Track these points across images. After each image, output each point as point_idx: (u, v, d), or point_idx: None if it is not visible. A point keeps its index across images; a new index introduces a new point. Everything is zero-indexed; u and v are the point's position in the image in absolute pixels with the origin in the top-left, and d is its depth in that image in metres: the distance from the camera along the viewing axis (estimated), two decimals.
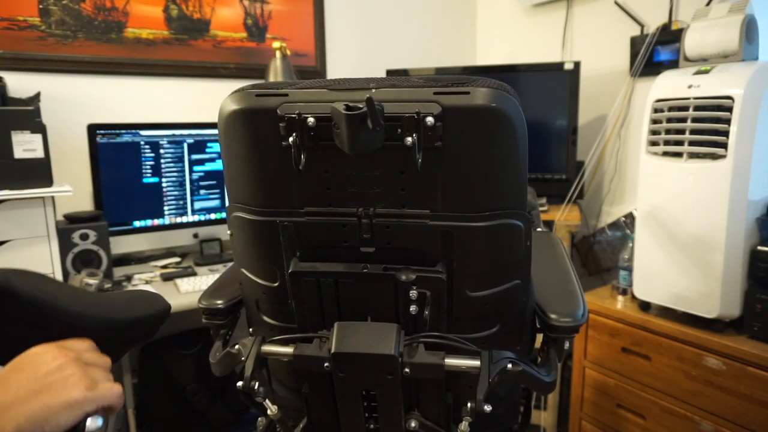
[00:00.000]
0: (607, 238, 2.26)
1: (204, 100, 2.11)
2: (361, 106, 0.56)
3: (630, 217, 2.13)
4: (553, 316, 0.73)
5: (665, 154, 1.55)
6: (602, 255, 2.28)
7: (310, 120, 0.59)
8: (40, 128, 1.48)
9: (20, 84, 1.73)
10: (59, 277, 1.53)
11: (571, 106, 2.06)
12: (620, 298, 1.81)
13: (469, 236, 0.64)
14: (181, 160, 1.94)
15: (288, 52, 2.11)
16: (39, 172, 1.49)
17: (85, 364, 0.49)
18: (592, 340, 1.80)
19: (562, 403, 2.07)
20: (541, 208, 2.05)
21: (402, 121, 0.58)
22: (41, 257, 1.50)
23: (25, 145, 1.46)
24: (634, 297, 1.71)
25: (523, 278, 0.71)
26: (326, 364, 0.68)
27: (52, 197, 1.52)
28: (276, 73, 2.06)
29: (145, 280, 1.79)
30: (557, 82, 2.08)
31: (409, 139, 0.58)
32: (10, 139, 1.44)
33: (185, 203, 1.98)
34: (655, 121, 1.57)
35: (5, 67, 1.72)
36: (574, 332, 0.75)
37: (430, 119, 0.57)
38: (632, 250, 1.74)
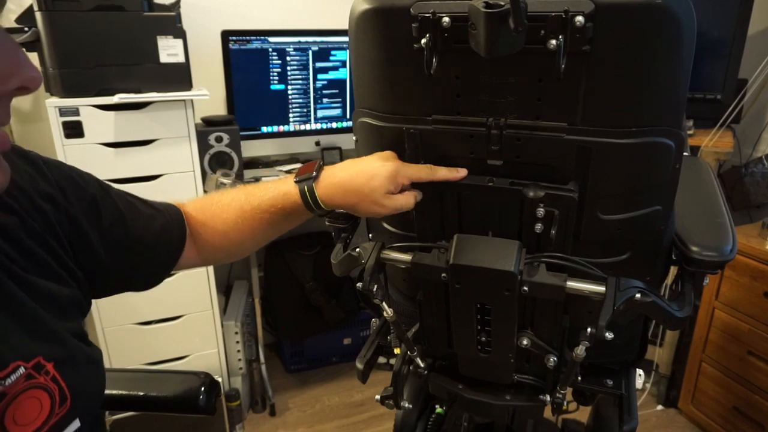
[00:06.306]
0: (763, 170, 1.98)
1: (333, 4, 2.08)
2: (503, 3, 0.50)
3: None
4: (694, 248, 0.67)
5: None
6: (753, 189, 2.02)
7: (445, 20, 0.55)
8: (181, 33, 1.57)
9: None
10: (198, 175, 1.67)
11: (743, 9, 1.73)
12: None
13: (610, 153, 0.58)
14: (306, 67, 1.97)
15: None
16: (180, 76, 1.59)
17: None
18: (728, 280, 1.65)
19: (682, 341, 1.95)
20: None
21: (547, 20, 0.52)
22: (183, 156, 1.64)
23: (168, 50, 1.56)
24: None
25: (664, 204, 0.64)
26: (443, 275, 0.68)
27: (192, 100, 1.63)
28: None
29: None
30: None
31: (553, 41, 0.52)
32: (156, 44, 1.55)
33: (309, 111, 2.03)
34: None
35: None
36: (718, 268, 0.67)
37: (579, 19, 0.51)
38: None
